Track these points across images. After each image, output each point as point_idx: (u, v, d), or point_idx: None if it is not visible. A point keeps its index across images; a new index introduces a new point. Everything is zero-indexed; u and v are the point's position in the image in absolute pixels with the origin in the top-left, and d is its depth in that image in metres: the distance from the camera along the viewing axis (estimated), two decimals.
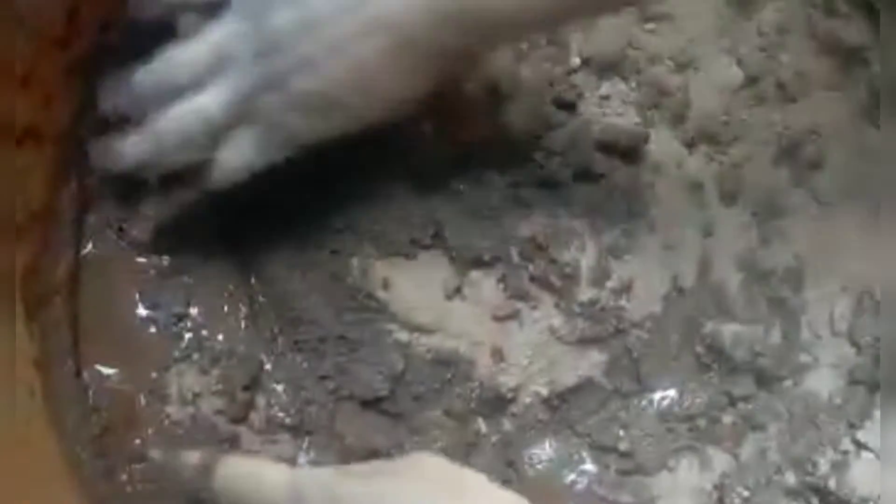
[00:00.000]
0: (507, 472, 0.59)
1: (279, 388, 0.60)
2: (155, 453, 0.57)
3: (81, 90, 0.58)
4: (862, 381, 0.58)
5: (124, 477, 0.58)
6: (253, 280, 0.61)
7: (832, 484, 0.55)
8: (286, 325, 0.60)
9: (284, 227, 0.61)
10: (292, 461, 0.58)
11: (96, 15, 0.57)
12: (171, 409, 0.59)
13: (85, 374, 0.59)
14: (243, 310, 0.61)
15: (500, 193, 0.61)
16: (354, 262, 0.60)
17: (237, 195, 0.57)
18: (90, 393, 0.59)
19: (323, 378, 0.59)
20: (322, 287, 0.60)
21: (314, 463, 0.58)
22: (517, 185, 0.61)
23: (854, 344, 0.59)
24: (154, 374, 0.60)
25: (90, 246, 0.61)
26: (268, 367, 0.60)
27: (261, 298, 0.61)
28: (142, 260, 0.61)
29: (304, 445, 0.59)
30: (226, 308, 0.61)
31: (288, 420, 0.59)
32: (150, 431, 0.59)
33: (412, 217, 0.60)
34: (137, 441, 0.58)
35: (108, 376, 0.59)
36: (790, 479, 0.57)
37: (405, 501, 0.44)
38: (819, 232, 0.62)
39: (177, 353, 0.60)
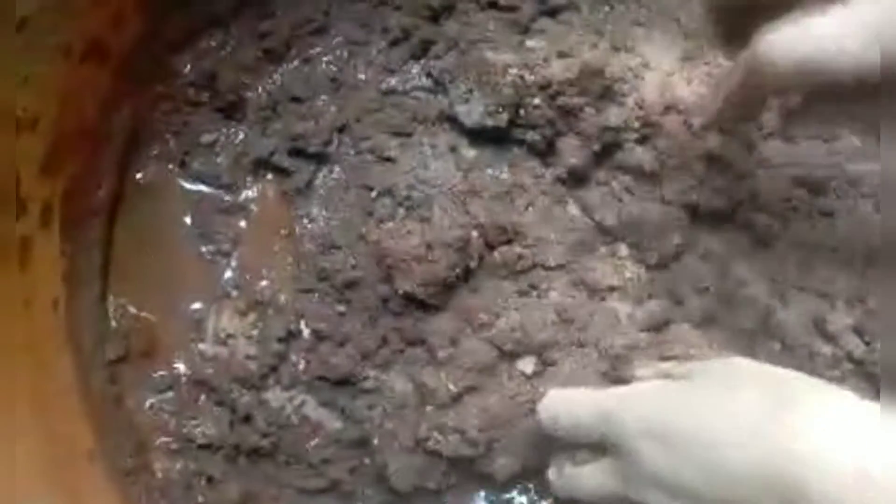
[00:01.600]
0: None
1: (310, 345, 0.57)
2: None
3: (152, 17, 0.55)
4: None
5: (132, 404, 0.55)
6: (297, 231, 0.58)
7: None
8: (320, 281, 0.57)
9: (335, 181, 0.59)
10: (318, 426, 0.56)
11: None
12: (205, 346, 0.56)
13: (110, 299, 0.56)
14: (289, 259, 0.58)
15: None
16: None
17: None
18: (112, 318, 0.56)
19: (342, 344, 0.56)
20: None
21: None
22: None
23: None
24: (189, 307, 0.57)
25: (143, 173, 0.58)
26: (303, 323, 0.57)
27: (306, 259, 0.58)
28: (200, 191, 0.59)
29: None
30: (274, 254, 0.58)
31: (305, 378, 0.56)
32: (175, 364, 0.56)
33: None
34: (160, 372, 0.56)
35: (135, 304, 0.57)
36: None
37: (732, 412, 0.39)
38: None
39: (217, 291, 0.57)
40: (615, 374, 0.51)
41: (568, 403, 0.48)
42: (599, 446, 0.46)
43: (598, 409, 0.46)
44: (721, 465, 0.39)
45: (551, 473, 0.50)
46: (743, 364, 0.44)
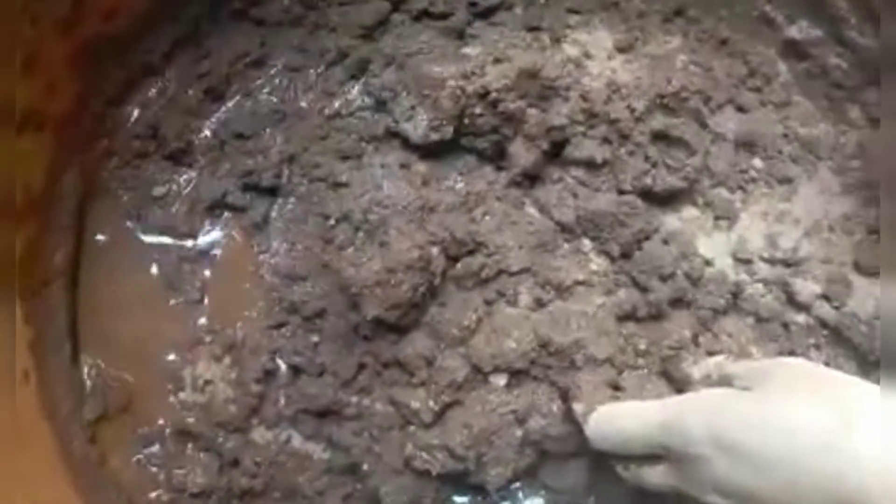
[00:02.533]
0: None
1: (288, 380, 0.56)
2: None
3: (86, 77, 0.54)
4: None
5: (117, 463, 0.55)
6: (261, 267, 0.58)
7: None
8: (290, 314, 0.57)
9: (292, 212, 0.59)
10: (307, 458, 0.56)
11: (102, 1, 0.54)
12: (184, 395, 0.56)
13: (83, 360, 0.56)
14: (258, 296, 0.58)
15: None
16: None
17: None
18: (87, 378, 0.56)
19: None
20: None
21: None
22: None
23: None
24: (164, 359, 0.57)
25: (100, 232, 0.58)
26: (279, 359, 0.56)
27: (274, 294, 0.57)
28: (162, 243, 0.59)
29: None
30: (243, 294, 0.58)
31: (288, 413, 0.56)
32: (157, 417, 0.56)
33: None
34: (143, 427, 0.56)
35: (109, 362, 0.56)
36: None
37: (797, 427, 0.40)
38: None
39: (190, 339, 0.57)
40: (668, 373, 0.52)
41: (620, 419, 0.48)
42: (654, 455, 0.47)
43: (654, 421, 0.46)
44: (787, 480, 0.39)
45: (620, 469, 0.50)
46: (800, 368, 0.45)
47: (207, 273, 0.58)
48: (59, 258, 0.55)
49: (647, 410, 0.47)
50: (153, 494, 0.55)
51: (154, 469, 0.56)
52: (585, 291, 0.55)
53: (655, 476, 0.47)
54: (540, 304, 0.55)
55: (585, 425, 0.50)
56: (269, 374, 0.56)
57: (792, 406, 0.41)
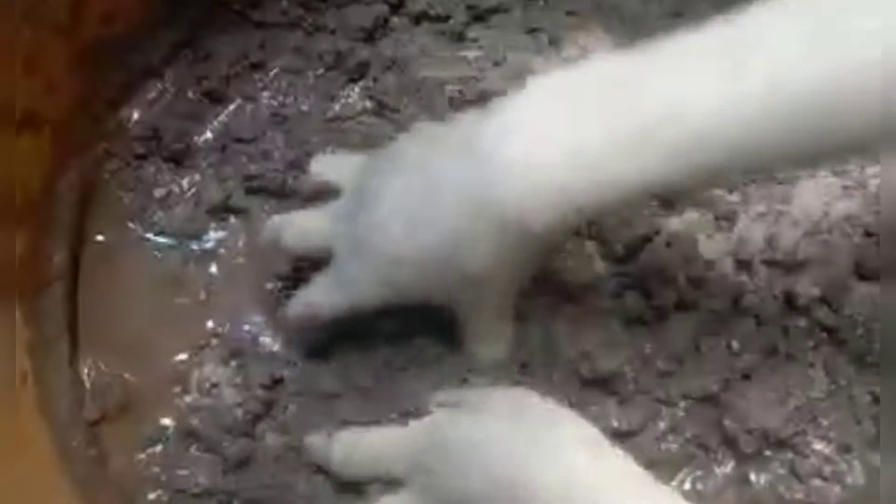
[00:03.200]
0: None
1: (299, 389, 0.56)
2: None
3: (85, 79, 0.55)
4: None
5: (118, 464, 0.55)
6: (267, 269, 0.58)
7: None
8: None
9: None
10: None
11: (101, 5, 0.54)
12: (190, 398, 0.55)
13: (82, 361, 0.56)
14: (266, 306, 0.57)
15: None
16: None
17: None
18: (87, 380, 0.55)
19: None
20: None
21: None
22: None
23: None
24: (169, 361, 0.56)
25: (101, 234, 0.58)
26: (286, 361, 0.56)
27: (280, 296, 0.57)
28: (165, 244, 0.58)
29: None
30: (248, 295, 0.57)
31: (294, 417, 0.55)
32: (160, 419, 0.55)
33: None
34: (146, 427, 0.55)
35: (110, 364, 0.56)
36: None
37: (510, 446, 0.42)
38: None
39: (196, 342, 0.56)
40: None
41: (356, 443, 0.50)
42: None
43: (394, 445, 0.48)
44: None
45: None
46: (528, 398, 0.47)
47: (213, 275, 0.58)
48: (59, 259, 0.55)
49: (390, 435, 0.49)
50: (153, 495, 0.55)
51: (156, 469, 0.55)
52: (591, 295, 0.55)
53: None
54: (546, 308, 0.55)
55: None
56: (276, 379, 0.56)
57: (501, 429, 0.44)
